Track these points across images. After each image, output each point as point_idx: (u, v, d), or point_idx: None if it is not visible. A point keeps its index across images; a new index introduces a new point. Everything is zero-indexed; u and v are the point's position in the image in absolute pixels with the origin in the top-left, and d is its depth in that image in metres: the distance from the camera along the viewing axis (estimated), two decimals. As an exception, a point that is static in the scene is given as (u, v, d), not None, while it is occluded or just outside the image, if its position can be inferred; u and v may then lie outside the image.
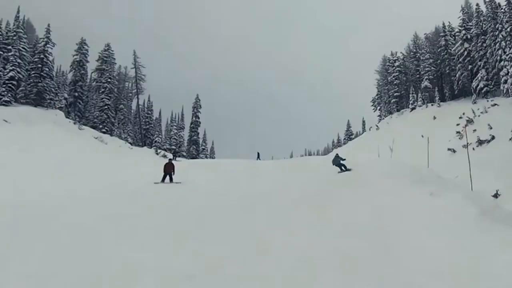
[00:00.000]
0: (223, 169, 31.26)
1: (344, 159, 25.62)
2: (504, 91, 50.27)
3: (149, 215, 14.20)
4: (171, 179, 25.87)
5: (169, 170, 26.16)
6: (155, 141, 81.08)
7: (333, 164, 25.43)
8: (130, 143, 67.57)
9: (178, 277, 7.98)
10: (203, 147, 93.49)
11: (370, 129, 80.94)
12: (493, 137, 36.26)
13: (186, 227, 12.42)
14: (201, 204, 16.49)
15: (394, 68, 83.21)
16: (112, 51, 76.78)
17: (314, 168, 24.90)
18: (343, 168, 24.85)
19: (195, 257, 9.12)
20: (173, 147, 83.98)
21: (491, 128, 39.25)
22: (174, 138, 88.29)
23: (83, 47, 71.31)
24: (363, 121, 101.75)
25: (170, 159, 27.67)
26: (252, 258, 9.11)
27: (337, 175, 22.81)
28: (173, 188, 22.57)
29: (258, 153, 54.72)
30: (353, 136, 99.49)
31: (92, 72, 75.50)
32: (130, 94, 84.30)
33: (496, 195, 21.34)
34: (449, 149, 40.67)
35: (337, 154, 26.94)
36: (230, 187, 20.64)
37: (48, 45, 63.02)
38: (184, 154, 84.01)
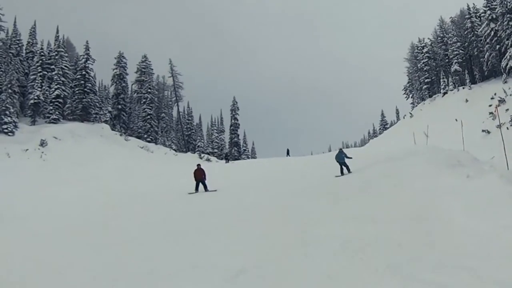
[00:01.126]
0: (260, 171, 31.33)
1: (350, 157, 23.34)
2: (534, 68, 49.20)
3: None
4: (205, 187, 23.47)
5: (199, 177, 23.72)
6: (198, 146, 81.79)
7: (336, 161, 23.31)
8: (174, 150, 68.34)
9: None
10: (244, 148, 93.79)
11: (404, 117, 79.90)
12: (526, 115, 35.58)
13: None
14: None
15: (423, 54, 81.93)
16: (150, 61, 77.83)
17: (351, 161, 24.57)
18: (344, 168, 22.87)
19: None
20: (216, 150, 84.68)
21: (523, 106, 38.51)
22: (216, 142, 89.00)
23: (122, 61, 72.51)
24: (397, 110, 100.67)
25: (198, 165, 25.00)
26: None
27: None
28: (210, 200, 20.00)
29: (288, 150, 54.82)
30: (387, 126, 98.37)
31: (132, 84, 76.77)
32: (170, 102, 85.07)
33: (534, 172, 20.95)
34: (483, 131, 40.02)
35: (340, 149, 24.34)
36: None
37: (88, 62, 64.26)
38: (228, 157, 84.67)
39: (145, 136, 69.37)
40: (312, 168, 27.38)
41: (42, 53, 62.07)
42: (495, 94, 50.51)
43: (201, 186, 23.60)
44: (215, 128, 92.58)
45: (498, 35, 62.29)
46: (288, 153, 55.14)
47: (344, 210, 13.28)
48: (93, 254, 10.66)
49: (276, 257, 9.06)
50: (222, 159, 70.49)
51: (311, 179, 21.95)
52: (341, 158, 23.09)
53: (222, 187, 23.30)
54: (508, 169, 17.05)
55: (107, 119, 64.90)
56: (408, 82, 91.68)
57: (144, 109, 72.63)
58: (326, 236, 10.29)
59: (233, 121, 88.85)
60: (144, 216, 16.45)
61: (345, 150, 26.06)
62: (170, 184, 26.08)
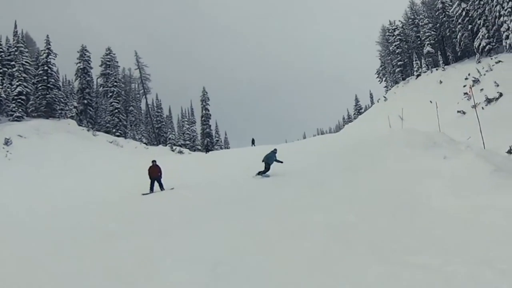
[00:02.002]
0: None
1: (281, 161, 21.86)
2: (507, 47, 49.80)
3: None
4: (160, 186, 22.00)
5: (155, 174, 22.15)
6: (169, 138, 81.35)
7: (262, 161, 21.96)
8: (145, 143, 67.91)
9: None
10: (216, 138, 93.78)
11: (378, 101, 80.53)
12: (501, 94, 36.06)
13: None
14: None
15: (394, 37, 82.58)
16: (114, 54, 76.76)
17: (323, 148, 24.61)
18: (265, 170, 21.50)
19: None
20: (188, 142, 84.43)
21: (497, 85, 39.01)
22: (187, 133, 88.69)
23: (85, 54, 71.31)
24: (371, 94, 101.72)
25: (154, 161, 23.09)
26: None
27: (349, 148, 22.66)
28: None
29: (253, 139, 54.91)
30: (362, 110, 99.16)
31: (97, 78, 75.66)
32: (138, 95, 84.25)
33: (510, 151, 21.35)
34: (458, 111, 40.57)
35: (275, 149, 22.94)
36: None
37: (50, 56, 63.15)
38: (199, 147, 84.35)
39: (114, 130, 68.68)
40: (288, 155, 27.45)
41: (0, 50, 60.81)
42: (469, 74, 51.20)
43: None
44: (186, 119, 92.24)
45: (470, 15, 63.08)
46: (253, 143, 55.27)
47: (324, 196, 13.42)
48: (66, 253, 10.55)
49: (258, 246, 9.11)
50: (194, 150, 70.43)
51: (288, 165, 21.98)
52: (270, 159, 21.83)
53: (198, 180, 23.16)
54: (484, 148, 17.36)
55: (73, 114, 64.03)
56: (381, 66, 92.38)
57: (111, 103, 71.83)
58: (308, 222, 10.39)
59: (204, 111, 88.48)
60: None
61: (319, 137, 25.98)
62: (137, 180, 25.28)
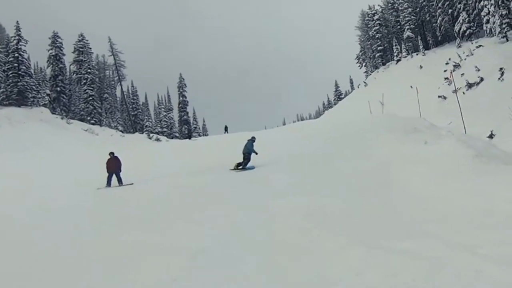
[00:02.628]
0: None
1: (256, 153, 20.56)
2: (488, 31, 50.20)
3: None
4: (119, 180, 20.77)
5: (114, 168, 20.94)
6: (146, 126, 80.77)
7: (243, 152, 20.66)
8: (121, 131, 67.34)
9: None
10: (194, 125, 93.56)
11: (358, 87, 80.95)
12: (482, 79, 36.43)
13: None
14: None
15: (374, 22, 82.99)
16: (87, 40, 75.51)
17: (303, 134, 24.60)
18: (246, 161, 20.31)
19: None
20: (165, 129, 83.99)
21: (478, 70, 39.39)
22: (165, 120, 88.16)
23: (57, 40, 70.11)
24: (351, 80, 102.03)
25: (111, 153, 21.78)
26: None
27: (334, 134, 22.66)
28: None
29: (226, 127, 54.68)
30: (342, 96, 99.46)
31: (70, 65, 74.54)
32: (113, 82, 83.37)
33: (491, 136, 21.68)
34: (439, 96, 40.97)
35: (253, 138, 21.76)
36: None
37: (20, 43, 61.85)
38: (177, 135, 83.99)
39: (89, 118, 67.90)
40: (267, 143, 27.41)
41: (-32, 37, 59.72)
42: (449, 59, 51.66)
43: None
44: (163, 106, 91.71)
45: (450, -1, 63.55)
46: (226, 130, 55.17)
47: (305, 183, 13.43)
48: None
49: (237, 234, 9.07)
50: (172, 138, 70.12)
51: (266, 155, 21.95)
52: (250, 149, 20.63)
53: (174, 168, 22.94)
54: (465, 133, 17.58)
55: (46, 102, 63.06)
56: (361, 51, 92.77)
57: (85, 90, 70.94)
58: (288, 209, 10.36)
59: (181, 98, 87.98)
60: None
61: (299, 123, 25.82)
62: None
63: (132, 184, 19.98)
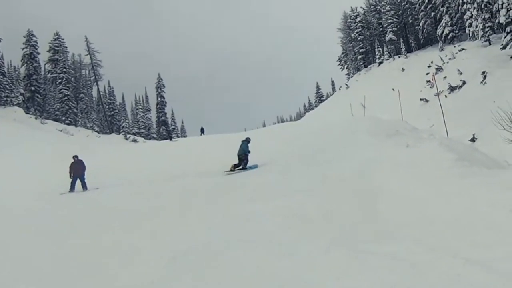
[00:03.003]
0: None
1: (249, 152, 20.42)
2: (470, 35, 50.78)
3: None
4: (83, 185, 20.13)
5: (78, 171, 20.24)
6: (123, 127, 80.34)
7: (238, 154, 20.36)
8: (97, 131, 66.89)
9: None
10: (173, 126, 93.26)
11: (340, 89, 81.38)
12: (464, 82, 36.85)
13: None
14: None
15: (356, 24, 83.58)
16: (63, 39, 74.97)
17: (284, 136, 24.52)
18: (244, 163, 19.90)
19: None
20: (142, 130, 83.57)
21: (461, 73, 39.83)
22: (142, 121, 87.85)
23: (32, 39, 69.40)
24: (332, 82, 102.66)
25: (75, 156, 21.07)
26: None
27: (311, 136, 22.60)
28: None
29: (202, 128, 54.45)
30: (323, 98, 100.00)
31: (45, 64, 73.83)
32: (89, 82, 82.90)
33: (473, 139, 21.86)
34: (421, 99, 41.32)
35: (247, 138, 21.53)
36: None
37: (-8, 42, 61.39)
38: (155, 136, 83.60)
39: (64, 118, 67.30)
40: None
41: None
42: (431, 62, 52.15)
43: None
44: (140, 107, 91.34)
45: (433, 2, 64.14)
46: (202, 132, 54.99)
47: (284, 185, 13.43)
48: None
49: (216, 237, 9.07)
50: (150, 139, 69.73)
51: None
52: (245, 150, 20.40)
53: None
54: (447, 136, 17.66)
55: (20, 102, 62.31)
56: (343, 53, 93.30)
57: (61, 90, 70.30)
58: (269, 211, 10.39)
59: (159, 99, 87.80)
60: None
61: (280, 125, 25.74)
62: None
63: (98, 188, 19.51)
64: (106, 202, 15.69)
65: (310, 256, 7.12)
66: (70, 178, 20.17)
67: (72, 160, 20.78)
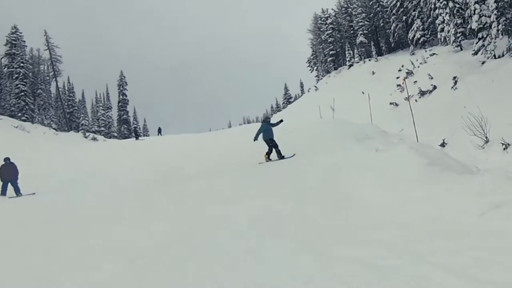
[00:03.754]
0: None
1: (281, 121, 19.23)
2: (442, 40, 51.57)
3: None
4: (16, 190, 19.45)
5: (9, 176, 19.56)
6: (82, 124, 79.32)
7: (265, 140, 18.61)
8: (54, 129, 65.90)
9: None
10: (134, 125, 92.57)
11: (309, 91, 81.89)
12: (434, 87, 37.30)
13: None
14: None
15: (327, 26, 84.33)
16: (21, 33, 73.51)
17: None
18: (277, 150, 18.18)
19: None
20: (102, 128, 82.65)
21: (431, 78, 40.35)
22: (102, 119, 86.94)
23: (-14, 33, 68.26)
24: (301, 83, 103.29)
25: (7, 159, 20.22)
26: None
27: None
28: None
29: (160, 128, 54.10)
30: (292, 100, 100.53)
31: (1, 58, 72.51)
32: (48, 78, 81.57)
33: (443, 144, 22.15)
34: (391, 103, 41.73)
35: (266, 118, 19.89)
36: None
37: None
38: (115, 134, 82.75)
39: (20, 114, 66.12)
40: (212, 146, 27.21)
41: None
42: (402, 66, 52.84)
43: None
44: (101, 104, 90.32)
45: (405, 6, 65.02)
46: (159, 132, 54.65)
47: (250, 188, 13.39)
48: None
49: (178, 240, 9.06)
50: (110, 137, 68.88)
51: (209, 158, 21.72)
52: (268, 133, 18.58)
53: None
54: (417, 141, 17.85)
55: (-28, 96, 61.14)
56: (312, 54, 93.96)
57: (17, 85, 69.04)
58: (232, 215, 10.38)
59: (121, 97, 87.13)
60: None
61: (246, 126, 25.43)
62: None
63: (33, 194, 18.89)
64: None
65: (276, 259, 7.13)
66: (1, 181, 19.58)
67: (3, 163, 20.04)
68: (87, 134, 62.67)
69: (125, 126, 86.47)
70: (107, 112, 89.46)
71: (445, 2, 49.61)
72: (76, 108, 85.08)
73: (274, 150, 18.18)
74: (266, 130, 18.52)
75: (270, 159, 18.15)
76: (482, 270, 5.45)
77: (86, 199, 15.86)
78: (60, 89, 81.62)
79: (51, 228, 11.76)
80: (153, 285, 6.83)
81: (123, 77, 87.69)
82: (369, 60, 69.39)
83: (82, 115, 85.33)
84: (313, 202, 10.77)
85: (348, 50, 74.56)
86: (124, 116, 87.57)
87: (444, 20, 49.58)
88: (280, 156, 17.87)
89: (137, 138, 52.32)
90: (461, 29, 45.57)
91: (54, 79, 79.50)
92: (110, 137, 74.81)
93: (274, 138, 18.41)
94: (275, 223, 9.39)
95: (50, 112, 76.82)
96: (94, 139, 59.00)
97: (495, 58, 32.92)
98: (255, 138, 18.65)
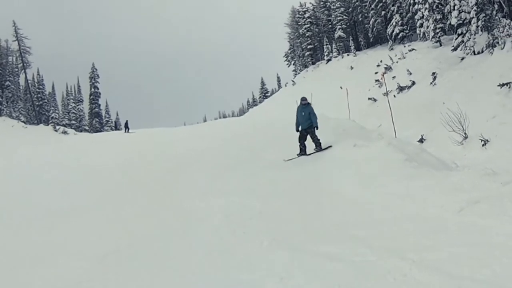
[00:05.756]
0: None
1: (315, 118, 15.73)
2: (421, 35, 51.83)
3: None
4: None
5: None
6: (52, 117, 78.51)
7: (303, 129, 15.87)
8: (23, 122, 65.14)
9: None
10: (106, 119, 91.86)
11: (286, 85, 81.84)
12: (413, 83, 37.55)
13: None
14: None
15: (304, 20, 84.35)
16: (-13, 24, 72.79)
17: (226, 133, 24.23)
18: (316, 141, 15.51)
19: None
20: (73, 122, 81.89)
21: (410, 73, 40.61)
22: (73, 112, 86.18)
23: (-47, 22, 67.19)
24: (278, 78, 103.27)
25: None
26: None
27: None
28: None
29: (127, 122, 51.28)
30: (268, 94, 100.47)
31: (-34, 49, 71.46)
32: (16, 69, 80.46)
33: (421, 140, 22.31)
34: (369, 98, 41.90)
35: (304, 100, 16.33)
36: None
37: None
38: (87, 128, 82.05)
39: (-14, 107, 65.33)
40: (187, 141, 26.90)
41: None
42: (381, 61, 53.09)
43: None
44: (72, 97, 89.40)
45: (384, 0, 65.32)
46: (126, 127, 51.14)
47: (224, 184, 13.33)
48: None
49: (151, 235, 9.04)
50: (81, 131, 68.17)
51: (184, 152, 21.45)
52: (306, 119, 15.79)
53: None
54: (395, 137, 17.96)
55: None
56: (290, 49, 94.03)
57: (-16, 76, 68.15)
58: (206, 210, 10.41)
59: (92, 89, 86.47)
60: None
61: (222, 121, 24.66)
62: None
63: None
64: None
65: (252, 256, 7.15)
66: None
67: None
68: (57, 127, 62.00)
69: (97, 119, 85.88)
70: (78, 105, 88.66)
71: (425, -3, 50.02)
72: (46, 100, 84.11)
73: (314, 140, 15.57)
74: (305, 113, 15.83)
75: (306, 153, 15.62)
76: (460, 266, 5.51)
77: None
78: (29, 81, 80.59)
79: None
80: (125, 281, 6.78)
81: (94, 70, 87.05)
82: (348, 55, 69.62)
83: (52, 108, 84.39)
84: (289, 198, 10.79)
85: (326, 44, 74.70)
86: (96, 109, 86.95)
87: (423, 15, 49.81)
88: (319, 148, 15.38)
89: (126, 130, 49.61)
90: (441, 25, 45.82)
91: (23, 70, 78.39)
92: (81, 131, 74.11)
93: (314, 128, 15.67)
94: (249, 219, 9.41)
95: (18, 104, 75.82)
96: (65, 132, 58.35)
97: (474, 54, 33.20)
98: (297, 129, 16.14)
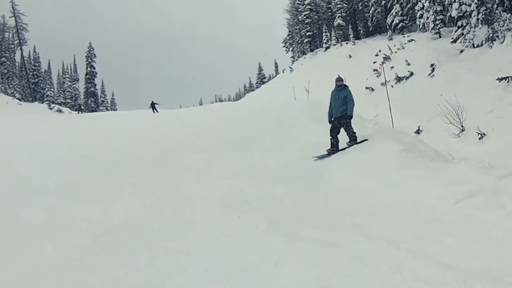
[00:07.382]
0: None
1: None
2: (421, 26, 51.89)
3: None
4: None
5: None
6: (47, 95, 78.20)
7: (335, 118, 13.47)
8: (18, 98, 64.91)
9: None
10: (102, 99, 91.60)
11: (283, 71, 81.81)
12: (411, 73, 37.60)
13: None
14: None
15: (304, 6, 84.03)
16: (-16, -1, 72.24)
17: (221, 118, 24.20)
18: (351, 133, 13.09)
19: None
20: (68, 100, 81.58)
21: (409, 64, 40.64)
22: (69, 91, 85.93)
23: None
24: (276, 63, 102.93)
25: None
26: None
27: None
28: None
29: (153, 103, 48.45)
30: (265, 80, 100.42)
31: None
32: (12, 46, 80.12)
33: (418, 131, 22.34)
34: (367, 88, 41.91)
35: (340, 80, 14.03)
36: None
37: None
38: (82, 107, 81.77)
39: (-18, 83, 65.05)
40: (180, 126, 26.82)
41: None
42: (379, 50, 53.06)
43: None
44: (68, 76, 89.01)
45: (384, -10, 65.16)
46: (153, 107, 48.90)
47: (220, 167, 13.35)
48: None
49: (148, 217, 9.05)
50: (76, 110, 67.90)
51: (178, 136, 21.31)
52: (340, 104, 13.40)
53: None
54: (392, 127, 17.97)
55: None
56: (289, 35, 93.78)
57: (-20, 52, 67.75)
58: (202, 193, 10.38)
59: (89, 69, 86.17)
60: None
61: (218, 105, 24.44)
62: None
63: None
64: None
65: (247, 240, 7.16)
66: None
67: None
68: (52, 105, 61.82)
69: (92, 99, 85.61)
70: (74, 84, 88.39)
71: (425, -11, 49.96)
72: (41, 78, 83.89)
73: (348, 133, 13.18)
74: (340, 99, 13.44)
75: (333, 151, 13.09)
76: (456, 258, 5.52)
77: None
78: (25, 58, 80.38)
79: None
80: (120, 261, 6.77)
81: (91, 49, 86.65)
82: (346, 43, 69.49)
83: (48, 86, 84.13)
84: (285, 184, 10.80)
85: (325, 32, 74.51)
86: (92, 88, 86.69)
87: (423, 6, 49.81)
88: (353, 142, 13.04)
89: (154, 110, 46.05)
90: (441, 17, 45.84)
91: (19, 47, 78.24)
92: (76, 110, 73.86)
93: (348, 119, 13.24)
94: (247, 203, 9.44)
95: (14, 81, 75.66)
96: (60, 111, 58.27)
97: (473, 47, 33.25)
98: (330, 120, 13.76)
